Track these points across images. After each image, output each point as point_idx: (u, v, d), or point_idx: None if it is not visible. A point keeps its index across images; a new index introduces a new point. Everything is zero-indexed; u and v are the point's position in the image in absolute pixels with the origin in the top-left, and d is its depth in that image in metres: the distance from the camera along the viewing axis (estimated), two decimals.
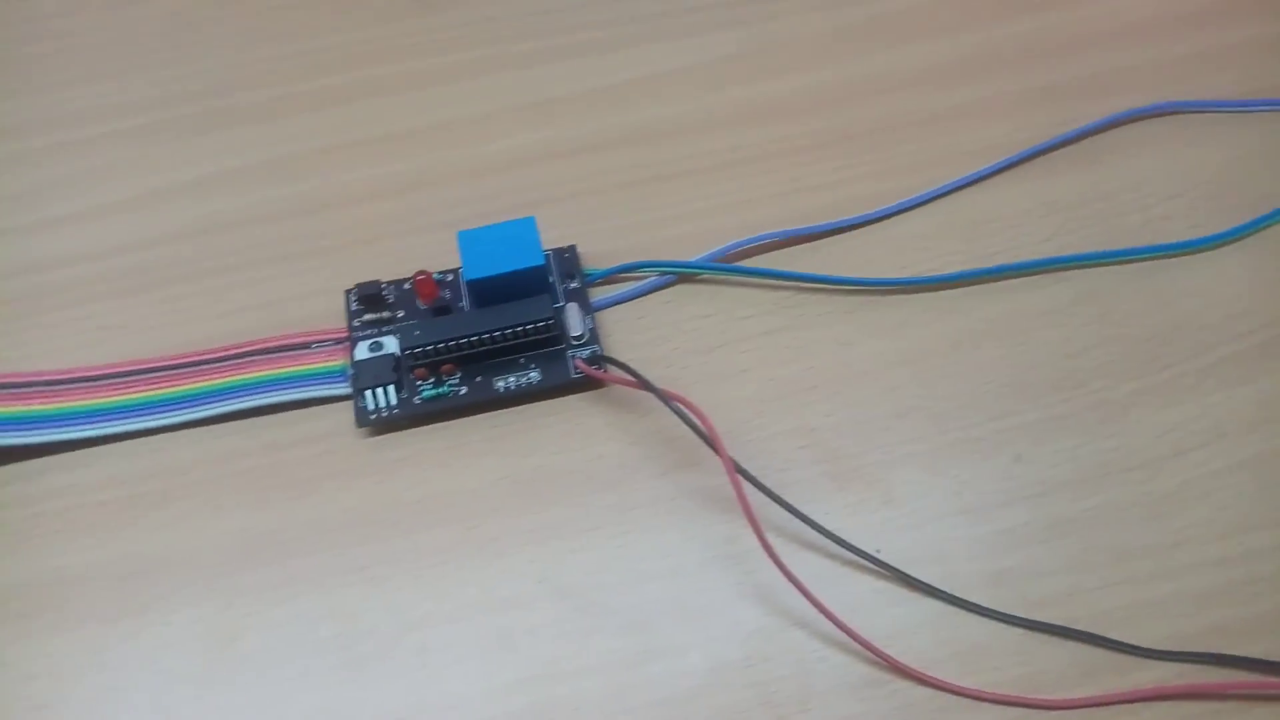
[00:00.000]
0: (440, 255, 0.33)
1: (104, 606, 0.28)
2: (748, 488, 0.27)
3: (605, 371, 0.30)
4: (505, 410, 0.31)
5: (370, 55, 0.40)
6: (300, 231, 0.35)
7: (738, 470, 0.27)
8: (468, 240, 0.31)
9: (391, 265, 0.33)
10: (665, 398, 0.28)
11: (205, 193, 0.36)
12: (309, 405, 0.31)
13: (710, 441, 0.28)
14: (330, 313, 0.33)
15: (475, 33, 0.40)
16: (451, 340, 0.30)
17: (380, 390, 0.30)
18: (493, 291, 0.31)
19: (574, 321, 0.31)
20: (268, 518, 0.29)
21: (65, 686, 0.27)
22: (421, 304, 0.32)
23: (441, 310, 0.32)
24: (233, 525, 0.29)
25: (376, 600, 0.28)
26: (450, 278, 0.33)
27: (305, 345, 0.32)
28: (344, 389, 0.31)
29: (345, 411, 0.31)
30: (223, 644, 0.27)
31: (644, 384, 0.29)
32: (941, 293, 0.32)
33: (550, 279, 0.32)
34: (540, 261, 0.30)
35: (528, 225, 0.31)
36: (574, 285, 0.32)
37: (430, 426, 0.31)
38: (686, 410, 0.28)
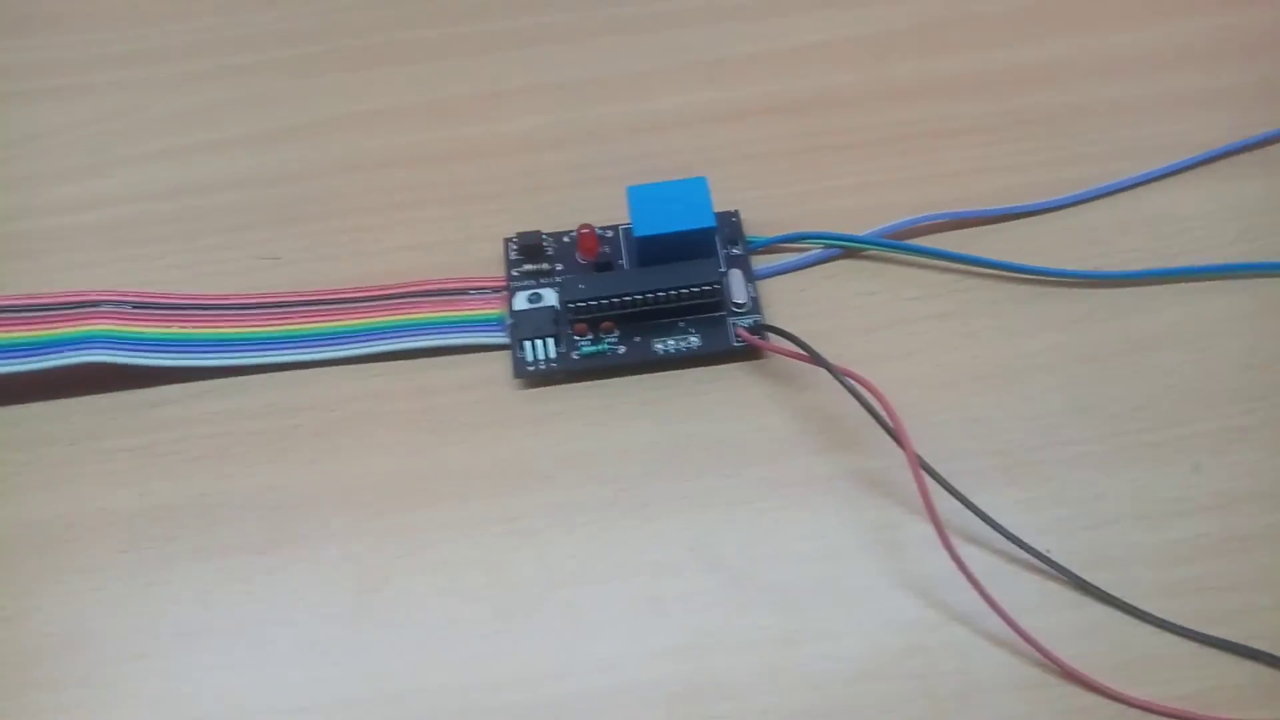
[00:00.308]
0: (600, 210, 0.33)
1: (253, 536, 0.28)
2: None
3: (767, 341, 0.30)
4: (661, 373, 0.30)
5: (533, 3, 0.39)
6: (460, 175, 0.35)
7: (922, 465, 0.26)
8: (637, 196, 0.30)
9: (551, 216, 0.33)
10: (840, 374, 0.27)
11: (365, 129, 0.36)
12: (463, 351, 0.31)
13: (891, 429, 0.26)
14: (487, 260, 0.32)
15: None
16: (614, 297, 0.29)
17: (539, 342, 0.30)
18: (658, 251, 0.30)
19: (737, 288, 0.31)
20: (419, 461, 0.29)
21: (211, 614, 0.27)
22: (581, 258, 0.32)
23: (602, 266, 0.31)
24: (384, 465, 0.29)
25: (527, 553, 0.28)
26: (610, 234, 0.32)
27: (463, 291, 0.31)
28: (500, 338, 0.31)
29: (500, 361, 0.31)
30: (372, 585, 0.27)
31: (815, 358, 0.28)
32: (1121, 289, 0.31)
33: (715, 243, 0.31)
34: (711, 223, 0.29)
35: (699, 185, 0.30)
36: (736, 252, 0.32)
37: (585, 383, 0.30)
38: (865, 391, 0.27)
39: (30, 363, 0.29)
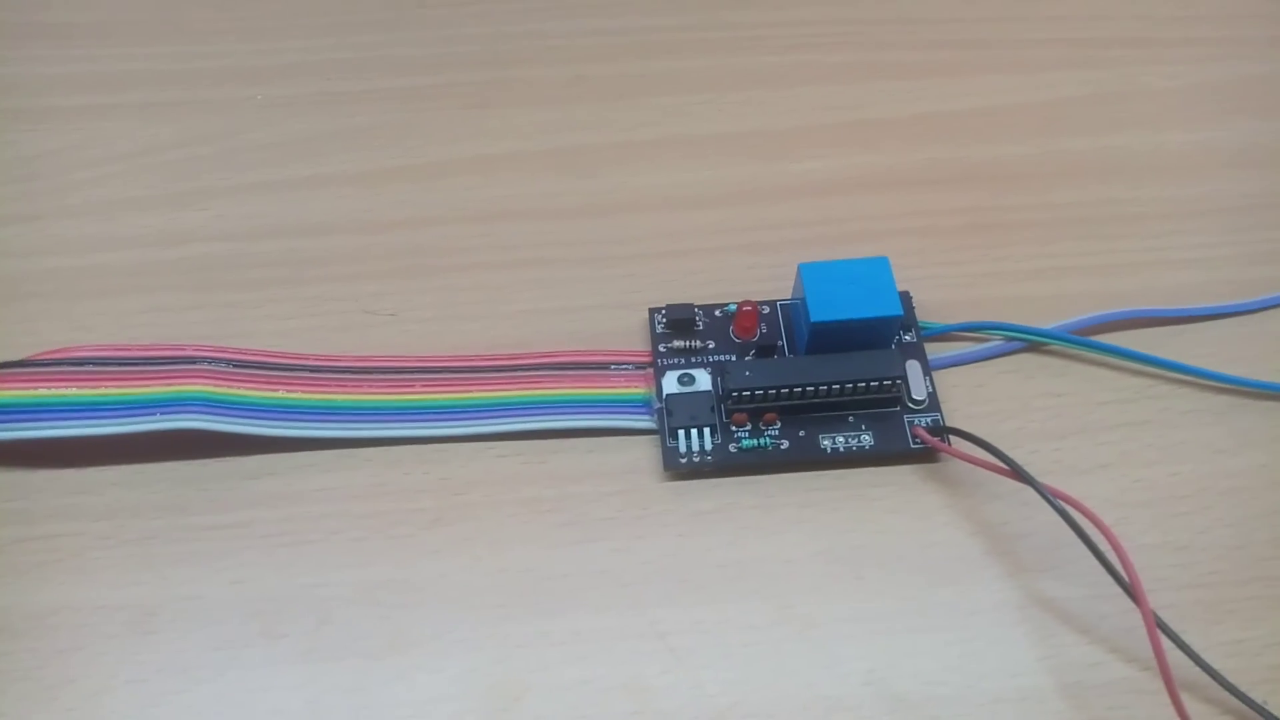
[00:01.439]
0: (746, 279, 0.30)
1: (367, 639, 0.25)
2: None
3: (949, 445, 0.26)
4: (824, 472, 0.27)
5: (668, 45, 0.36)
6: (593, 234, 0.31)
7: (1159, 625, 0.23)
8: (811, 275, 0.27)
9: (691, 285, 0.30)
10: (1052, 497, 0.24)
11: (483, 174, 0.33)
12: (603, 434, 0.27)
13: (1124, 579, 0.23)
14: (626, 330, 0.29)
15: (785, 35, 0.36)
16: (785, 387, 0.26)
17: (694, 432, 0.26)
18: (832, 337, 0.27)
19: (915, 382, 0.27)
20: (554, 559, 0.26)
21: None
22: (736, 336, 0.28)
23: (765, 349, 0.28)
24: (512, 562, 0.26)
25: (679, 677, 0.24)
26: (765, 310, 0.29)
27: (603, 365, 0.28)
28: (647, 422, 0.27)
29: (643, 447, 0.27)
30: (503, 702, 0.24)
31: (1016, 471, 0.25)
32: None
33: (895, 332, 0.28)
34: (898, 311, 0.26)
35: (881, 266, 0.27)
36: (909, 339, 0.28)
37: (739, 479, 0.27)
38: (1082, 518, 0.24)
39: (117, 425, 0.26)
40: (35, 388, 0.26)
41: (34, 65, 0.36)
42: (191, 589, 0.25)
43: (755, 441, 0.27)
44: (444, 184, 0.32)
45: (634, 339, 0.29)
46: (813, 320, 0.26)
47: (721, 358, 0.28)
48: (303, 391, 0.27)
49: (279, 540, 0.26)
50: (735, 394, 0.26)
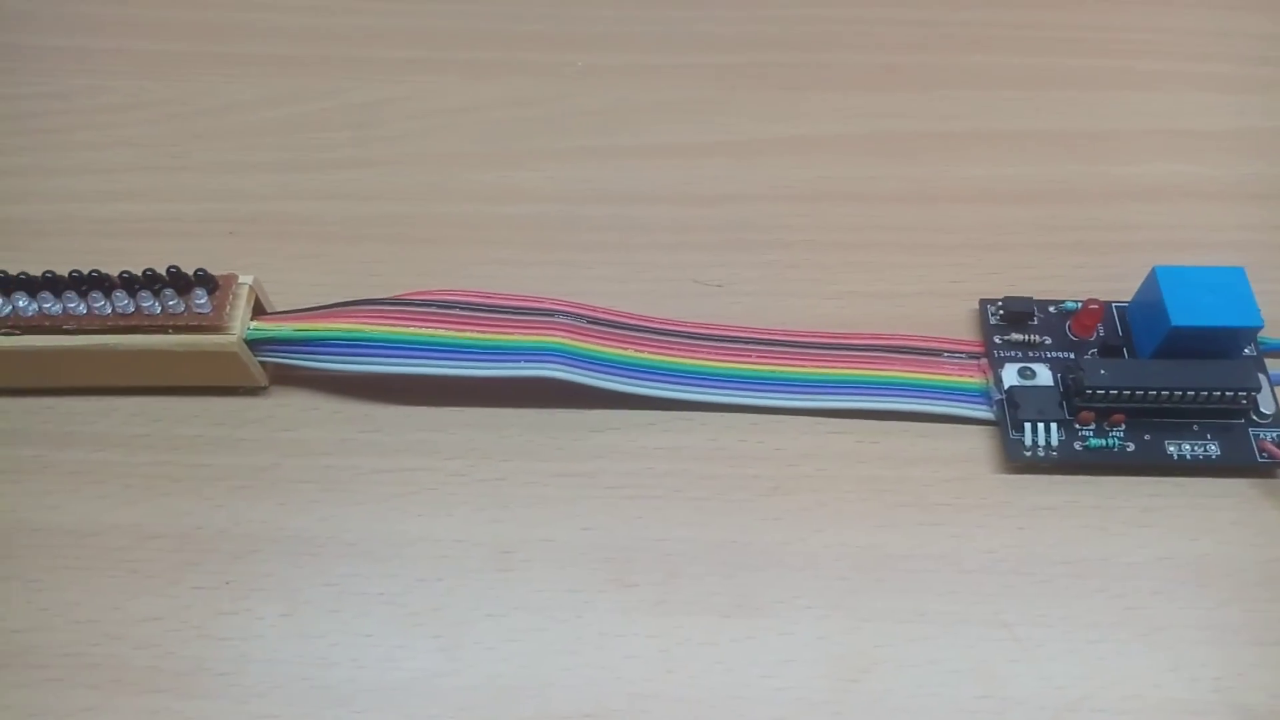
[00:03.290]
0: (1073, 277, 0.30)
1: (717, 597, 0.25)
2: None
3: None
4: (1164, 479, 0.27)
5: (978, 40, 0.36)
6: (915, 220, 0.32)
7: None
8: (1168, 279, 0.27)
9: (1016, 279, 0.30)
10: None
11: (799, 156, 0.33)
12: (937, 420, 0.28)
13: None
14: (953, 319, 0.29)
15: (1098, 39, 0.36)
16: (1139, 389, 0.26)
17: (1040, 426, 0.27)
18: (1186, 343, 0.26)
19: (1265, 397, 0.27)
20: (893, 539, 0.26)
21: (676, 679, 0.24)
22: (1073, 334, 0.28)
23: (1109, 349, 0.28)
24: (853, 537, 0.26)
25: (1026, 667, 0.24)
26: (1095, 307, 0.29)
27: (935, 352, 0.28)
28: (985, 412, 0.27)
29: (980, 438, 0.27)
30: (851, 673, 0.24)
31: None
32: None
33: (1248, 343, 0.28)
34: (1258, 322, 0.26)
35: (1238, 276, 0.27)
36: (1249, 353, 0.28)
37: (1079, 477, 0.27)
38: None
39: (486, 368, 0.27)
40: (408, 325, 0.27)
41: (359, 17, 0.37)
42: (545, 531, 0.26)
43: (1102, 441, 0.26)
44: (763, 161, 0.33)
45: (959, 328, 0.29)
46: (1173, 324, 0.26)
47: (1059, 355, 0.28)
48: (650, 352, 0.28)
49: (624, 493, 0.27)
50: (1090, 392, 0.26)
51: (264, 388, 0.28)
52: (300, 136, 0.33)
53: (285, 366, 0.28)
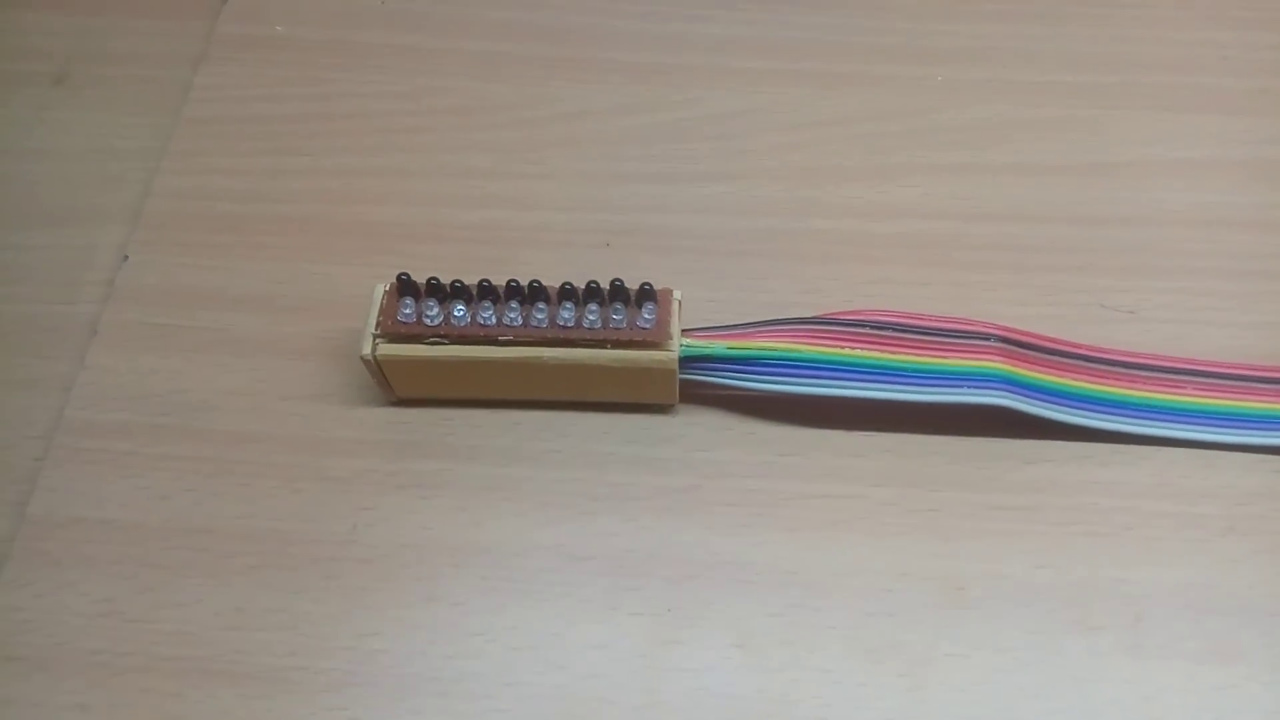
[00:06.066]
0: None
1: (1187, 641, 0.24)
2: None
3: None
4: None
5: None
6: None
7: None
8: None
9: None
10: None
11: (1190, 177, 0.31)
12: None
13: None
14: None
15: None
16: None
17: None
18: None
19: None
20: None
21: None
22: None
23: None
24: None
25: None
26: None
27: None
28: None
29: None
30: None
31: None
32: None
33: None
34: None
35: None
36: None
37: None
38: None
39: (925, 393, 0.25)
40: (842, 346, 0.26)
41: (702, 24, 0.36)
42: (996, 567, 0.25)
43: None
44: (1148, 184, 0.31)
45: None
46: None
47: None
48: (1086, 380, 0.26)
49: (1072, 529, 0.25)
50: None
51: (673, 405, 0.27)
52: (662, 147, 0.32)
53: (693, 384, 0.27)
